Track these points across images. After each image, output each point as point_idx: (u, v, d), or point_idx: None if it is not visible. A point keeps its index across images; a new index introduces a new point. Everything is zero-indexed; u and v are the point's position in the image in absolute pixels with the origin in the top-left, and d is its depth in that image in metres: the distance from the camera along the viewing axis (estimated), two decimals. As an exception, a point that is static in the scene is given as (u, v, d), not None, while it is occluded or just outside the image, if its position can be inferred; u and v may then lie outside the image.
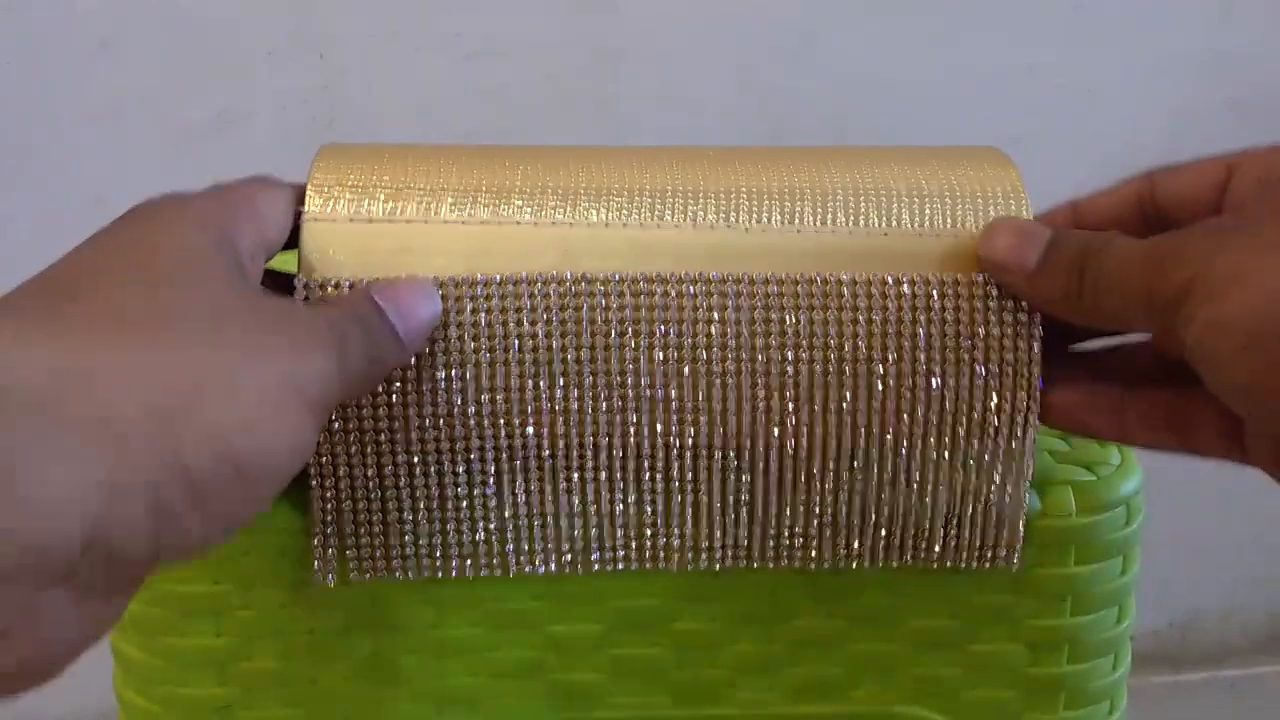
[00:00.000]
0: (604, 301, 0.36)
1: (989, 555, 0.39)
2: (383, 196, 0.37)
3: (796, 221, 0.37)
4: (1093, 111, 0.80)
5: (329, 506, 0.38)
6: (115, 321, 0.28)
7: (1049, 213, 0.39)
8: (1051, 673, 0.42)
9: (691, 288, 0.36)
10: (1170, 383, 0.35)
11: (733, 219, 0.37)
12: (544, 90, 0.76)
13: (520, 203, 0.37)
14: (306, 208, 0.36)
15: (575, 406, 0.37)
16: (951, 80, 0.79)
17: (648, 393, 0.37)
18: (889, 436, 0.37)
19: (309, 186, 0.37)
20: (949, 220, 0.37)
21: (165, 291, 0.29)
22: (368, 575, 0.39)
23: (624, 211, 0.37)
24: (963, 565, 0.39)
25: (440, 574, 0.39)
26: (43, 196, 0.74)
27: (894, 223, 0.37)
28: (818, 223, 0.37)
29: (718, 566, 0.39)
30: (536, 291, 0.36)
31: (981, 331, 0.36)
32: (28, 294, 0.29)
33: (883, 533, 0.39)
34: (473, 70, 0.75)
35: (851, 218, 0.37)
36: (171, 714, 0.41)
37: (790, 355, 0.37)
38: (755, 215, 0.37)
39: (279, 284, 0.36)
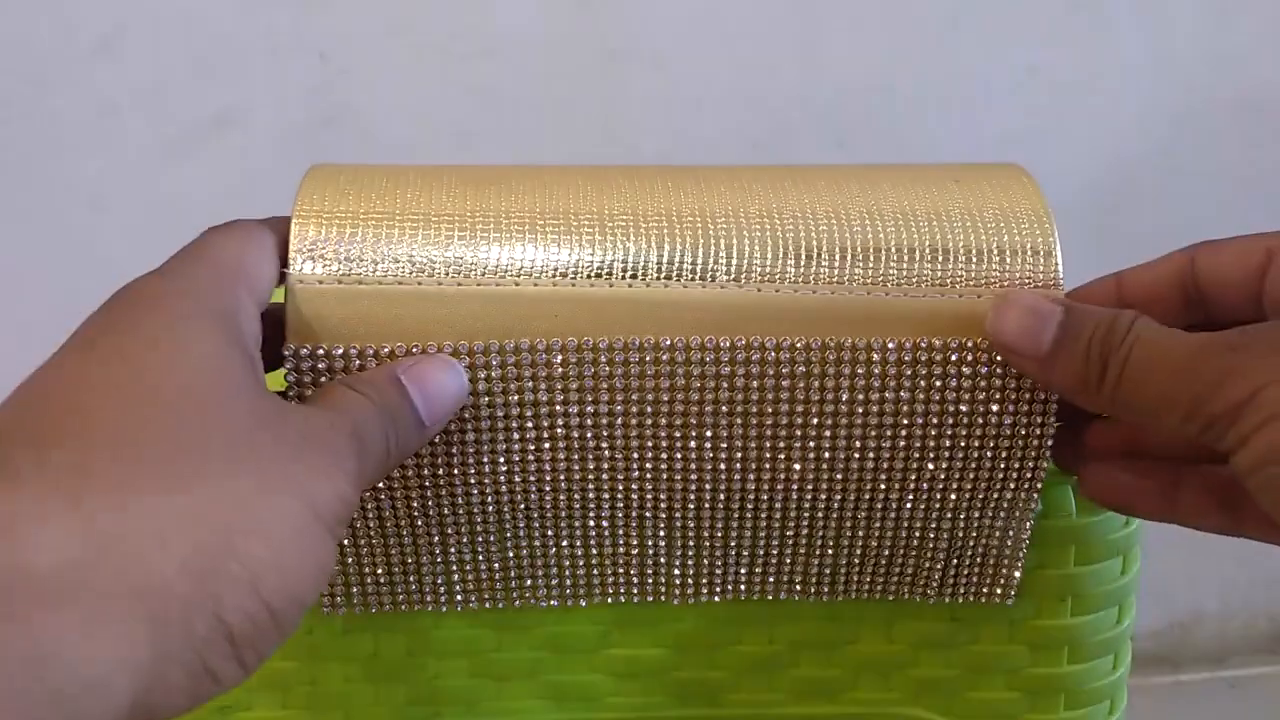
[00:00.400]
0: (608, 369, 0.35)
1: (985, 594, 0.40)
2: (371, 254, 0.35)
3: (812, 280, 0.35)
4: (1093, 111, 0.80)
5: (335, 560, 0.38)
6: (133, 468, 0.26)
7: (1092, 285, 0.36)
8: (1051, 673, 0.42)
9: (699, 354, 0.35)
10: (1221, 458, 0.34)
11: (744, 278, 0.35)
12: (543, 91, 0.76)
13: (520, 259, 0.35)
14: (292, 266, 0.34)
15: (578, 470, 0.36)
16: (952, 80, 0.78)
17: (651, 455, 0.36)
18: (895, 492, 0.37)
19: (293, 238, 0.35)
20: (970, 277, 0.35)
21: (179, 417, 0.27)
22: (373, 610, 0.39)
23: (629, 266, 0.35)
24: (960, 602, 0.40)
25: (445, 609, 0.39)
26: (41, 196, 0.74)
27: (913, 281, 0.35)
28: (834, 278, 0.35)
29: (717, 599, 0.40)
30: (539, 359, 0.35)
31: (997, 395, 0.36)
32: (25, 439, 0.26)
33: (881, 573, 0.39)
34: (472, 70, 0.75)
35: (870, 276, 0.35)
36: (171, 714, 0.40)
37: (800, 419, 0.36)
38: (769, 270, 0.35)
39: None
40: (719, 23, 0.76)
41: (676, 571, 0.39)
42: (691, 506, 0.37)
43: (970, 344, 0.35)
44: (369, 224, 0.35)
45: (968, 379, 0.35)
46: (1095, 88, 0.80)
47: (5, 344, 0.75)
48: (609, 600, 0.40)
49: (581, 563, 0.39)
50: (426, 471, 0.36)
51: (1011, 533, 0.38)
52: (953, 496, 0.37)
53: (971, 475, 0.37)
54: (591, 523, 0.38)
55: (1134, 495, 0.36)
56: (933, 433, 0.36)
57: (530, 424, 0.36)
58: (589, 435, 0.36)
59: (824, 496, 0.37)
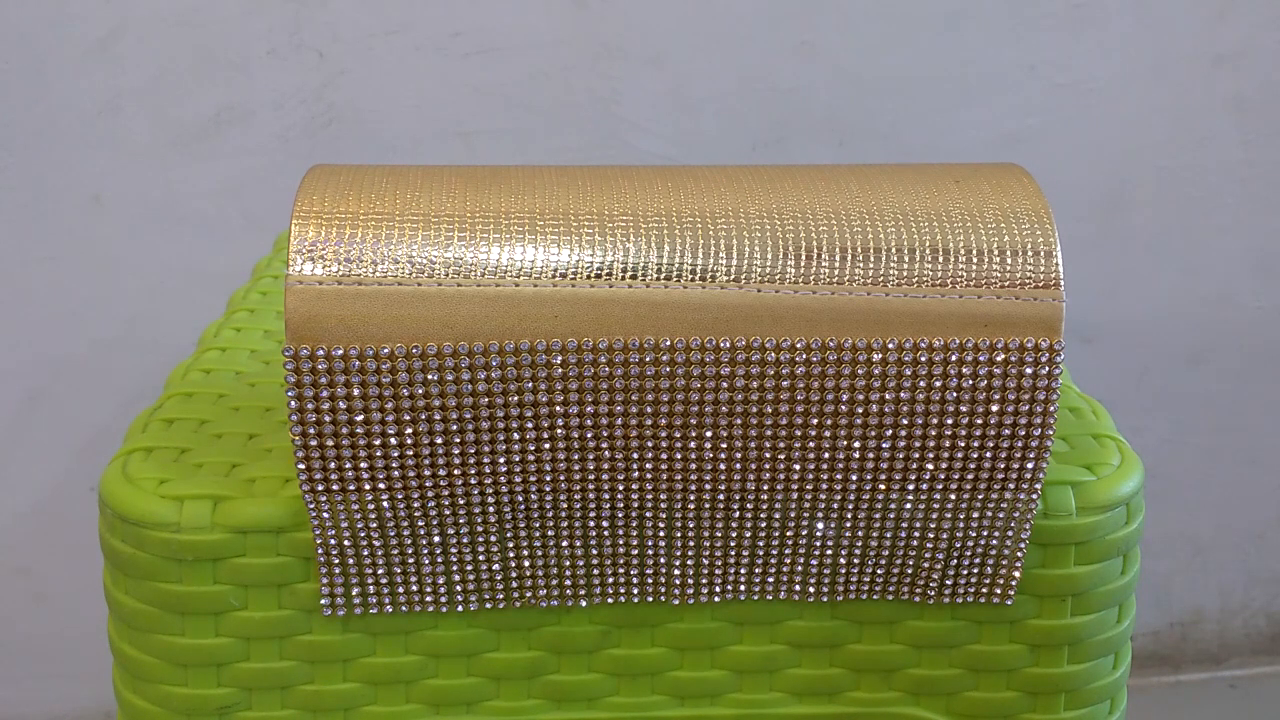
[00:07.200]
0: (608, 370, 0.35)
1: (984, 594, 0.40)
2: (371, 254, 0.35)
3: (812, 280, 0.35)
4: (1093, 111, 0.80)
5: (335, 561, 0.38)
6: None
7: None
8: (1051, 673, 0.42)
9: (699, 355, 0.35)
10: None
11: (744, 278, 0.35)
12: (543, 89, 0.76)
13: (520, 259, 0.35)
14: (292, 267, 0.34)
15: (578, 470, 0.37)
16: (951, 80, 0.78)
17: (651, 455, 0.36)
18: (895, 492, 0.37)
19: (293, 238, 0.35)
20: (970, 277, 0.35)
21: None
22: (373, 610, 0.39)
23: (629, 267, 0.35)
24: (959, 602, 0.40)
25: (445, 609, 0.39)
26: (40, 195, 0.74)
27: (913, 281, 0.35)
28: (834, 278, 0.35)
29: (717, 599, 0.40)
30: (539, 360, 0.35)
31: (997, 395, 0.36)
32: None
33: (881, 573, 0.39)
34: (472, 69, 0.75)
35: (870, 276, 0.35)
36: (171, 714, 0.40)
37: (800, 419, 0.36)
38: (769, 271, 0.35)
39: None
40: (718, 22, 0.76)
41: (676, 571, 0.39)
42: (691, 506, 0.37)
43: (970, 344, 0.35)
44: (369, 225, 0.35)
45: (968, 379, 0.35)
46: (1095, 88, 0.80)
47: (5, 344, 0.75)
48: (609, 600, 0.40)
49: (581, 563, 0.39)
50: (427, 471, 0.36)
51: (1011, 533, 0.38)
52: (952, 496, 0.37)
53: (971, 475, 0.37)
54: (591, 523, 0.38)
55: None
56: (933, 433, 0.36)
57: (530, 424, 0.36)
58: (589, 435, 0.36)
59: (824, 496, 0.37)
